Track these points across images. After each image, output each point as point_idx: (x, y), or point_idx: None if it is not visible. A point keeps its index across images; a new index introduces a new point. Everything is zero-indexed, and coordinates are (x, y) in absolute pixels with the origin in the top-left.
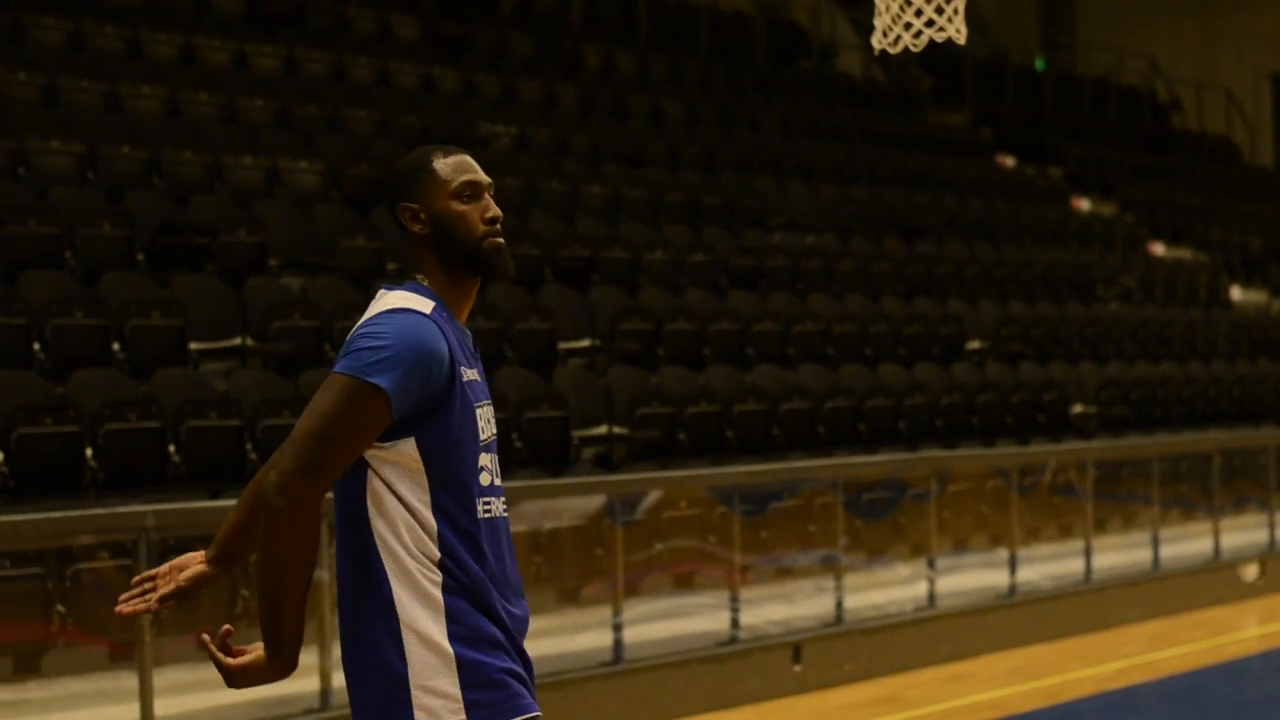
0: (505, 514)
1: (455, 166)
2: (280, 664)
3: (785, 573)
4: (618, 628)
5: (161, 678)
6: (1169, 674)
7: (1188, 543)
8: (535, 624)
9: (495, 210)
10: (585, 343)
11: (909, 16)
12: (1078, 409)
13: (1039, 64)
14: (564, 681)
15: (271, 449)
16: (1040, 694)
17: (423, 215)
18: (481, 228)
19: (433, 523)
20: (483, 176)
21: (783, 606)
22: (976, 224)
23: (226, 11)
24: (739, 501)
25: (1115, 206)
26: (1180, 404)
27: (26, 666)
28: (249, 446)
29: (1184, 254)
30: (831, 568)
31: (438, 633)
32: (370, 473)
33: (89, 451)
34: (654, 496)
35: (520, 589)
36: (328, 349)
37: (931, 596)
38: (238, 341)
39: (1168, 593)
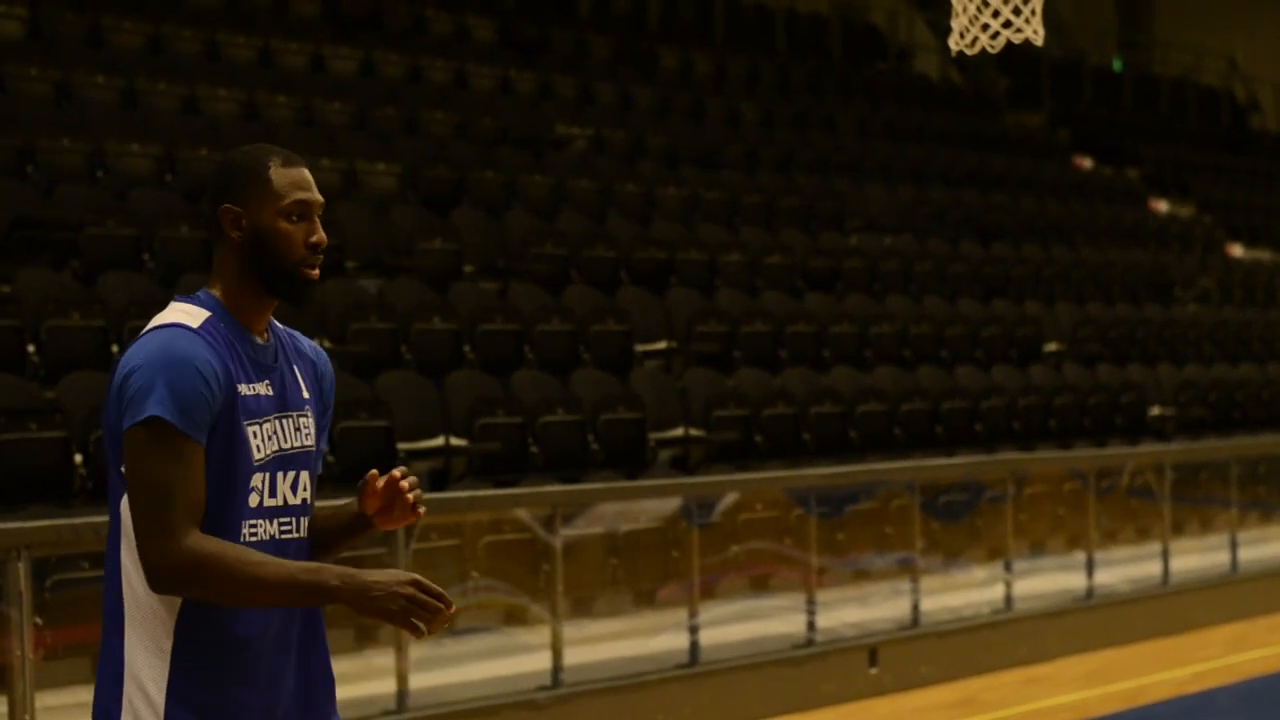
0: (295, 535)
1: (292, 182)
2: (338, 593)
3: (862, 575)
4: (694, 630)
5: None
6: (1247, 677)
7: (1266, 545)
8: (611, 625)
9: (321, 235)
10: (661, 345)
11: (986, 18)
12: (1155, 411)
13: (1116, 64)
14: (640, 683)
15: (349, 451)
16: (1118, 697)
17: (244, 222)
18: (302, 252)
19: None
20: (316, 196)
21: (859, 609)
22: (1053, 225)
23: (304, 14)
24: (815, 503)
25: (1193, 207)
26: (1259, 406)
27: None
28: (326, 448)
29: (1262, 255)
30: (908, 570)
31: (156, 693)
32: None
33: None
34: (730, 498)
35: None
36: (405, 350)
37: (1008, 599)
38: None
39: (1246, 596)
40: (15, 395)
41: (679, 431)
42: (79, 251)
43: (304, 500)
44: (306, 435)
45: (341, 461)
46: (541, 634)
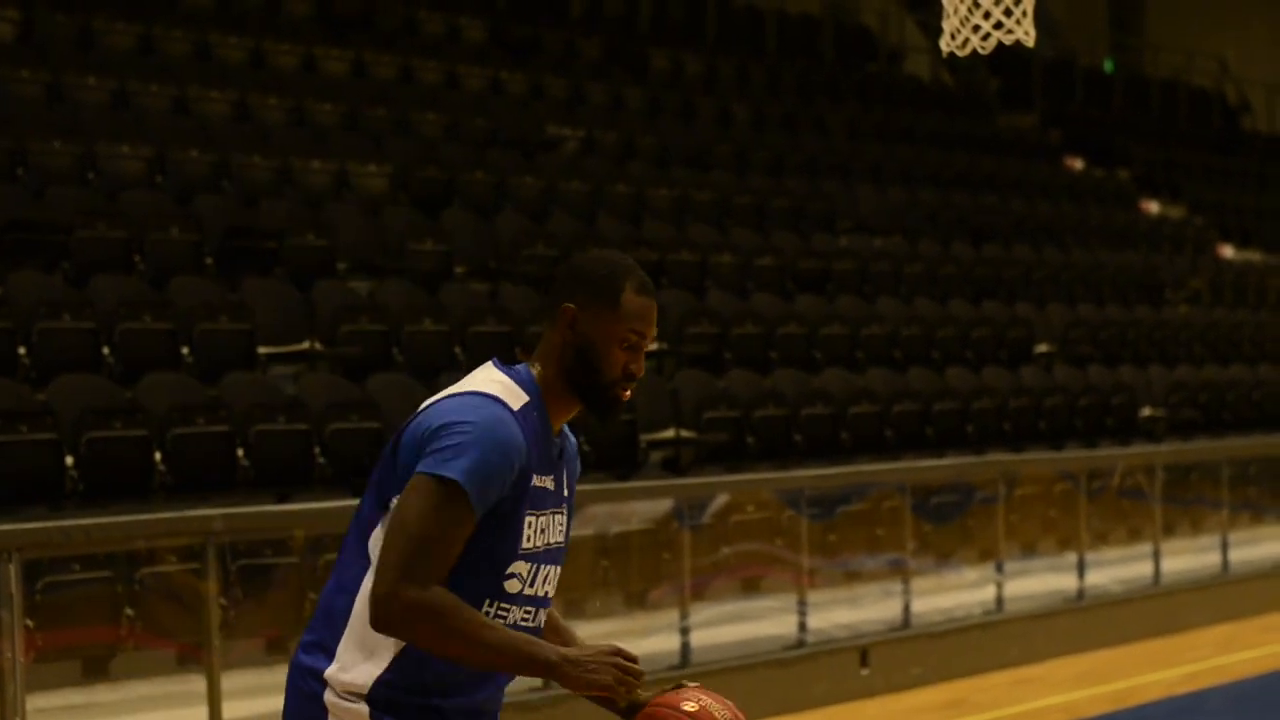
0: (533, 625)
1: (638, 313)
2: (558, 669)
3: (853, 576)
4: (685, 631)
5: (230, 681)
6: (1239, 678)
7: (1257, 546)
8: (603, 627)
9: (642, 367)
10: (652, 346)
11: (977, 19)
12: (1146, 412)
13: (1108, 66)
14: None
15: (340, 453)
16: (1108, 698)
17: (579, 328)
18: (618, 375)
19: None
20: (653, 332)
21: (850, 610)
22: (1045, 226)
23: (295, 15)
24: (806, 505)
25: (1184, 209)
26: (1250, 407)
27: (96, 670)
28: (317, 450)
29: (1253, 256)
30: (899, 571)
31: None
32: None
33: (158, 455)
34: (721, 500)
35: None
36: (396, 352)
37: (999, 600)
38: (306, 345)
39: (1237, 596)
40: (6, 397)
41: (670, 433)
42: (70, 253)
43: (548, 593)
44: (565, 532)
45: (331, 463)
46: None
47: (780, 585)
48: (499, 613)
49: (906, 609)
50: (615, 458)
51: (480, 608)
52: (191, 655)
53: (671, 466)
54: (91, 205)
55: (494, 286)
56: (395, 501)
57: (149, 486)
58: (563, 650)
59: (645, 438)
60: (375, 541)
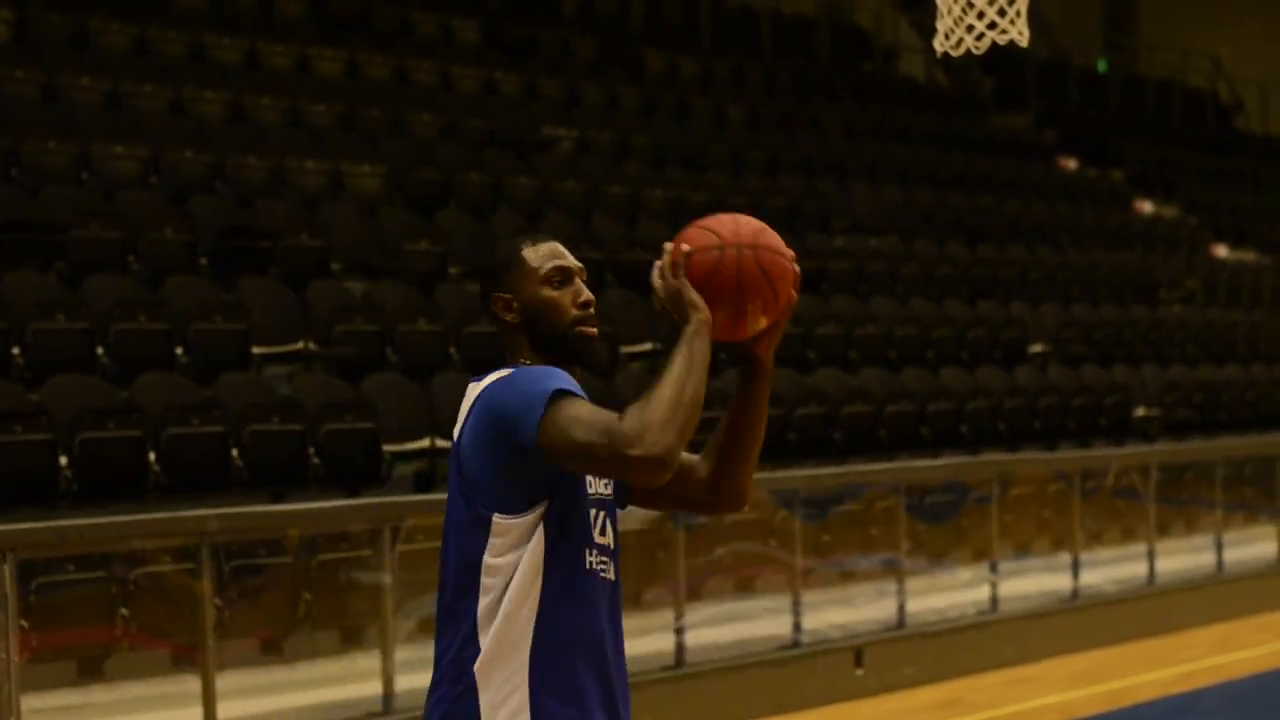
0: (611, 577)
1: (545, 253)
2: (696, 322)
3: (847, 576)
4: (679, 631)
5: (224, 681)
6: (1234, 678)
7: (1251, 546)
8: None
9: (587, 294)
10: (647, 346)
11: (971, 19)
12: (1140, 412)
13: (1102, 66)
14: None
15: (335, 453)
16: (1103, 698)
17: (515, 304)
18: (573, 312)
19: (539, 589)
20: (573, 261)
21: (844, 610)
22: (1039, 227)
23: (290, 16)
24: (801, 505)
25: (1179, 209)
26: (1244, 407)
27: (90, 670)
28: (311, 451)
29: (1247, 256)
30: (893, 571)
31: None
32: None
33: (152, 456)
34: None
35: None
36: (391, 352)
37: (994, 600)
38: (300, 345)
39: (1232, 596)
40: (0, 397)
41: None
42: (64, 253)
43: (617, 544)
44: (606, 483)
45: (326, 464)
46: None
47: (775, 585)
48: (598, 563)
49: (901, 609)
50: None
51: (583, 557)
52: (186, 656)
53: None
54: (86, 205)
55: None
56: (536, 441)
57: (143, 487)
58: (688, 326)
59: None
60: (491, 566)
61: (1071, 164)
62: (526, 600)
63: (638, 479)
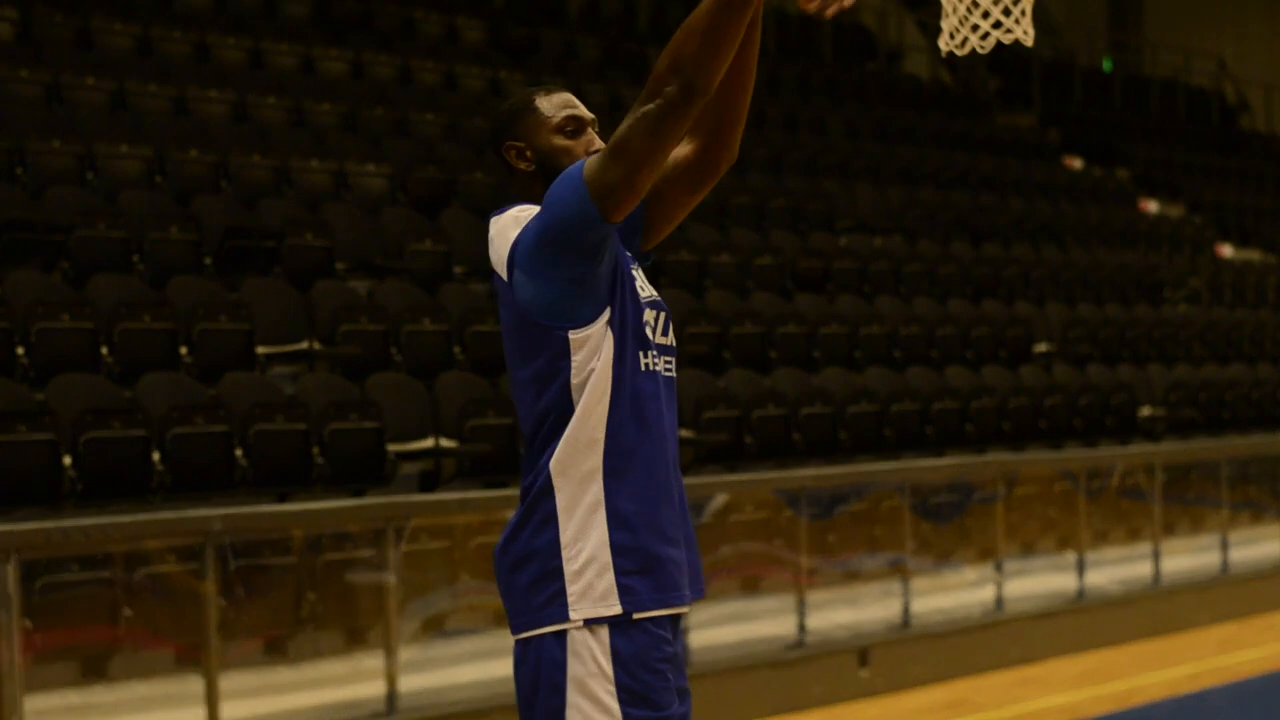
0: (672, 374)
1: (558, 103)
2: None
3: (852, 576)
4: (684, 631)
5: (228, 681)
6: (1240, 678)
7: (1257, 545)
8: None
9: (599, 144)
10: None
11: (976, 18)
12: (1146, 411)
13: (1106, 65)
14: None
15: (339, 453)
16: (1110, 698)
17: (528, 153)
18: (583, 157)
19: (608, 391)
20: (585, 111)
21: (849, 610)
22: (1044, 226)
23: (294, 16)
24: (805, 505)
25: (1183, 208)
26: (1249, 406)
27: (94, 670)
28: (316, 450)
29: (1252, 255)
30: (898, 571)
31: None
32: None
33: (156, 455)
34: (720, 500)
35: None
36: (395, 352)
37: (999, 600)
38: (305, 345)
39: (1238, 596)
40: (4, 397)
41: None
42: (69, 253)
43: (673, 344)
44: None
45: (330, 463)
46: None
47: (779, 585)
48: (652, 362)
49: (906, 609)
50: None
51: (642, 359)
52: (190, 656)
53: None
54: (90, 205)
55: (493, 287)
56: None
57: (147, 487)
58: None
59: None
60: (574, 385)
61: (1076, 163)
62: (600, 404)
63: (694, 103)
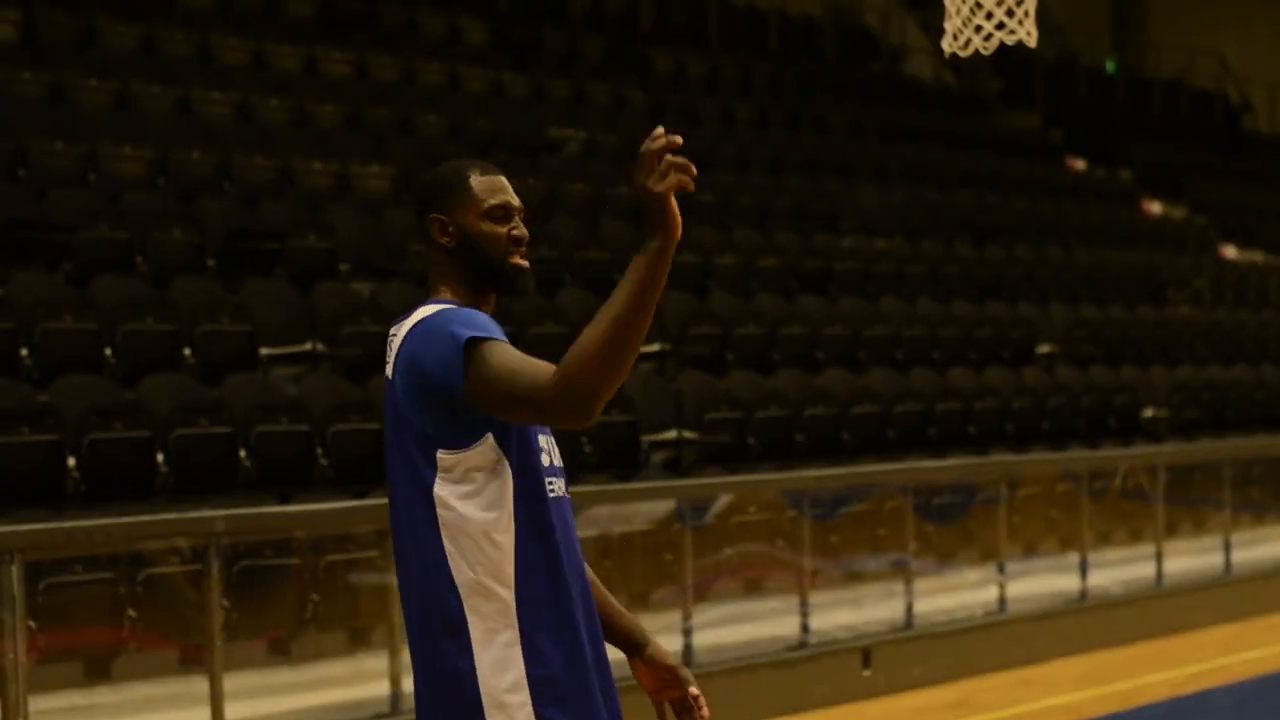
0: (564, 494)
1: (491, 187)
2: (653, 230)
3: (855, 577)
4: (687, 632)
5: (232, 682)
6: (1242, 678)
7: (1260, 546)
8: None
9: (523, 231)
10: (655, 347)
11: (979, 19)
12: (1149, 412)
13: (1109, 66)
14: (634, 686)
15: (342, 455)
16: (1112, 699)
17: (451, 229)
18: (504, 245)
19: (511, 522)
20: (515, 200)
21: (852, 611)
22: (1047, 227)
23: (297, 16)
24: (808, 506)
25: (1186, 209)
26: (1252, 407)
27: (98, 671)
28: (319, 452)
29: (1255, 256)
30: (901, 572)
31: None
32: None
33: (159, 456)
34: (723, 501)
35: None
36: None
37: (1002, 601)
38: (308, 346)
39: (1240, 597)
40: (8, 398)
41: (672, 434)
42: (72, 254)
43: (562, 465)
44: None
45: (333, 464)
46: None
47: (782, 586)
48: (549, 487)
49: (909, 610)
50: (617, 458)
51: (542, 485)
52: (193, 656)
53: (673, 467)
54: (93, 206)
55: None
56: (471, 381)
57: (151, 487)
58: (646, 230)
59: (647, 438)
60: (445, 501)
61: (1079, 164)
62: (498, 534)
63: (561, 425)
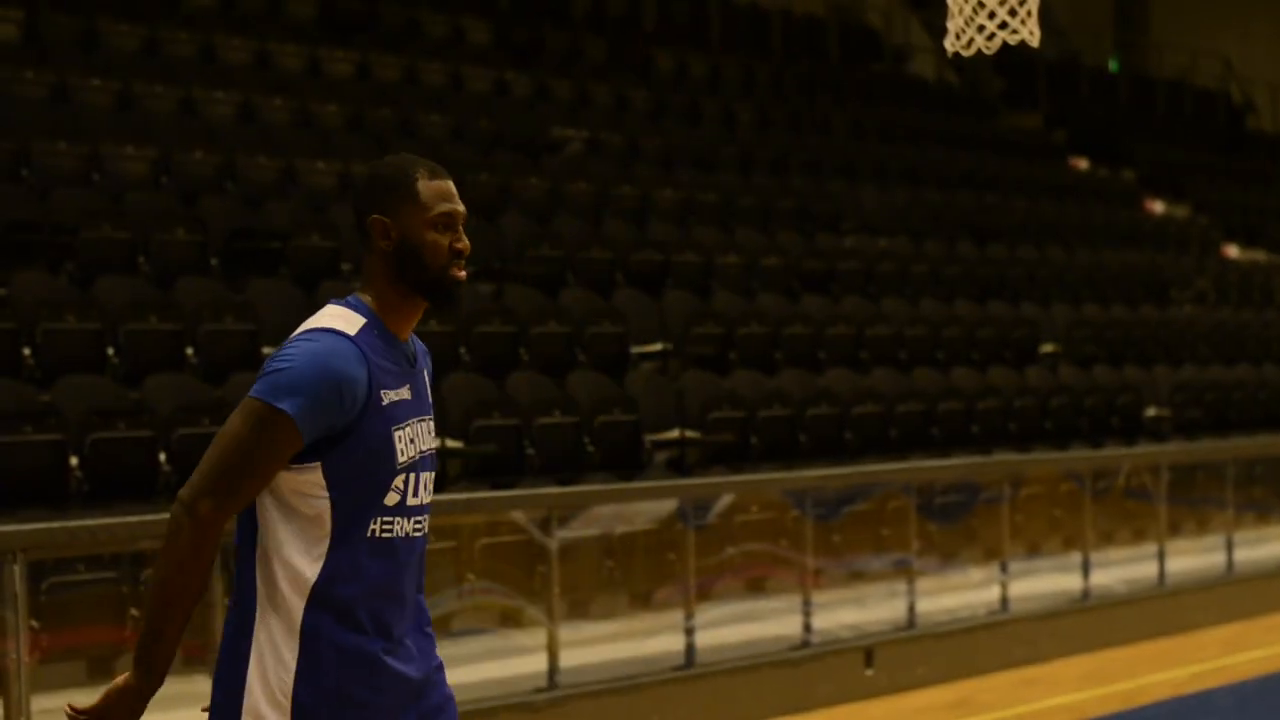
0: (423, 533)
1: (438, 193)
2: (152, 683)
3: (857, 576)
4: (690, 632)
5: None
6: (1245, 678)
7: (1262, 546)
8: (607, 628)
9: (466, 244)
10: (657, 346)
11: (982, 19)
12: (1151, 412)
13: (1112, 66)
14: (636, 685)
15: None
16: (1114, 698)
17: (392, 233)
18: (446, 256)
19: (322, 549)
20: (461, 207)
21: (855, 610)
22: (1049, 226)
23: (299, 17)
24: (811, 505)
25: (1189, 208)
26: (1255, 406)
27: (101, 670)
28: None
29: (1258, 256)
30: (904, 571)
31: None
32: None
33: (162, 456)
34: (726, 500)
35: (414, 611)
36: None
37: (1004, 600)
38: None
39: (1242, 596)
40: (11, 398)
41: (675, 433)
42: (74, 254)
43: (428, 501)
44: (432, 436)
45: None
46: (537, 636)
47: (785, 586)
48: (384, 529)
49: (911, 609)
50: (619, 458)
51: (367, 526)
52: (197, 655)
53: (676, 467)
54: (96, 206)
55: (498, 288)
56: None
57: (154, 487)
58: (141, 687)
59: (650, 438)
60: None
61: (1082, 164)
62: (309, 560)
63: (179, 499)
